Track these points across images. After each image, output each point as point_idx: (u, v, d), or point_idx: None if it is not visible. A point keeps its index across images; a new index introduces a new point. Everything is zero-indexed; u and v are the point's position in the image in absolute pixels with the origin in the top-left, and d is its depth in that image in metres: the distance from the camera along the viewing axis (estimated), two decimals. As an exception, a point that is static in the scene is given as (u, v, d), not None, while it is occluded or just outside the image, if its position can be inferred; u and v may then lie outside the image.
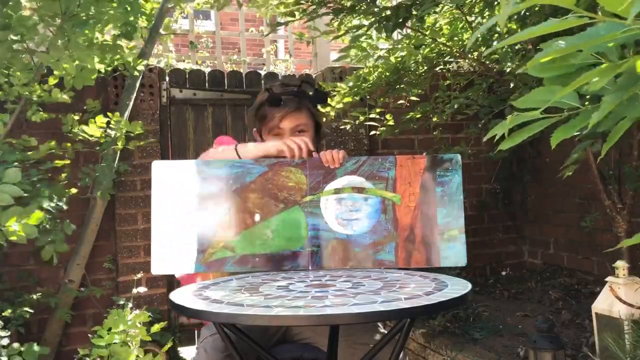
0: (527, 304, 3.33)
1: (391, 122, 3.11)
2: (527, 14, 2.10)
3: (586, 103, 0.78)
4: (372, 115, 3.10)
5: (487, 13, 2.50)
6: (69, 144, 2.86)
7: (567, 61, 0.73)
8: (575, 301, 3.22)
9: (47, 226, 2.40)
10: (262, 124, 1.66)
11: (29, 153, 2.48)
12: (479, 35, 2.46)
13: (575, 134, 0.80)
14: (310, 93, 1.68)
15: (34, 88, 2.47)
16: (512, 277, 3.96)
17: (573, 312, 2.99)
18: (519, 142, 0.83)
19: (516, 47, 2.44)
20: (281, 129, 1.63)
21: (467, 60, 2.77)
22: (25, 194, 2.09)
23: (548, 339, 2.12)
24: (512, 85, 2.53)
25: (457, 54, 2.74)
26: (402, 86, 2.89)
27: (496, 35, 2.52)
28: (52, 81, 2.55)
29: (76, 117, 2.86)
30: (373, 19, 2.33)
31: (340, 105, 2.97)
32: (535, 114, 0.78)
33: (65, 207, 2.54)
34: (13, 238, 1.85)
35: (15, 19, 2.03)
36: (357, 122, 3.17)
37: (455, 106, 2.69)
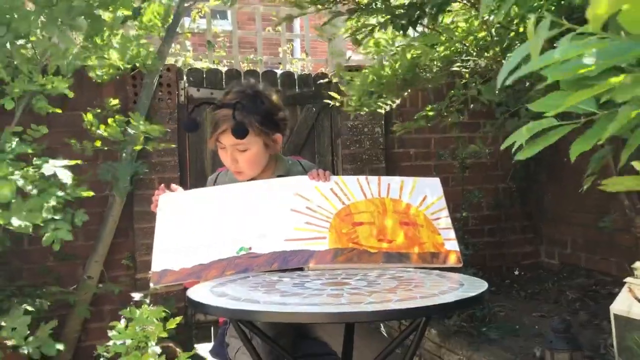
0: (543, 304, 3.31)
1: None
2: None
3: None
4: (388, 102, 3.06)
5: (502, 11, 2.48)
6: (86, 142, 2.90)
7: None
8: (593, 302, 3.19)
9: (54, 216, 2.40)
10: (212, 132, 1.63)
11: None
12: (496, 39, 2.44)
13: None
14: (261, 109, 1.59)
15: (37, 79, 2.51)
16: (528, 277, 3.93)
17: (591, 313, 2.96)
18: (537, 151, 0.81)
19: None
20: (222, 143, 1.61)
21: (483, 59, 2.75)
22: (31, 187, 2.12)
23: (565, 340, 2.10)
24: (528, 84, 2.51)
25: (474, 52, 2.72)
26: (419, 78, 2.86)
27: (512, 33, 2.50)
28: (53, 66, 2.58)
29: (92, 117, 2.88)
30: (387, 17, 2.31)
31: (351, 106, 2.95)
32: (551, 121, 0.76)
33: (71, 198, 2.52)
34: None
35: (17, 13, 2.08)
36: (371, 108, 3.13)
37: (471, 105, 2.67)
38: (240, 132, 1.52)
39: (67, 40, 2.40)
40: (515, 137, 0.80)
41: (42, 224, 2.20)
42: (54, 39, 2.47)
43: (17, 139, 2.43)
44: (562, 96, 0.76)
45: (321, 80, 3.44)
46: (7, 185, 1.97)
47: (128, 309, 2.58)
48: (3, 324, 2.46)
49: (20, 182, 2.10)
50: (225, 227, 1.47)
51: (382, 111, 3.07)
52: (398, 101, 3.04)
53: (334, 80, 3.22)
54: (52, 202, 2.26)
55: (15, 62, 2.47)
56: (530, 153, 0.82)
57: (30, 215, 2.01)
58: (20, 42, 2.43)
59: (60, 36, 2.33)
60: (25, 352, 2.42)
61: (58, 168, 2.33)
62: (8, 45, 2.32)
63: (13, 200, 2.03)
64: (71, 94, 2.64)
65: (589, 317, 2.90)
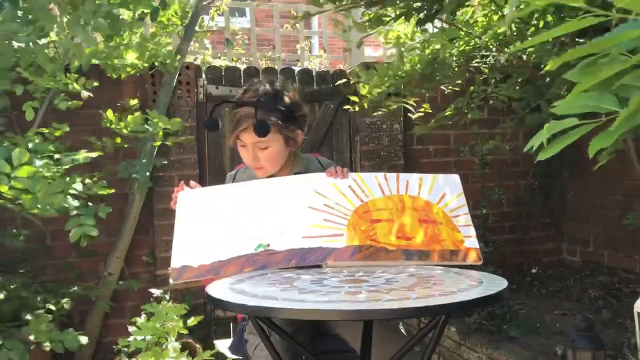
0: (565, 302, 3.27)
1: (428, 109, 3.02)
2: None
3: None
4: (407, 102, 3.03)
5: (522, 6, 2.45)
6: (107, 139, 2.92)
7: (597, 65, 0.71)
8: (616, 300, 3.14)
9: (78, 212, 2.41)
10: (232, 130, 1.61)
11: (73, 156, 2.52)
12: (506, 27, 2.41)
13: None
14: (282, 106, 1.58)
15: (60, 78, 2.54)
16: (550, 274, 3.88)
17: (614, 312, 2.91)
18: (558, 150, 0.81)
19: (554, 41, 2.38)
20: (243, 141, 1.60)
21: (503, 54, 2.72)
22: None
23: (587, 339, 2.07)
24: (547, 79, 2.48)
25: (493, 47, 2.69)
26: (437, 78, 2.83)
27: (532, 28, 2.46)
28: (74, 66, 2.61)
29: (112, 116, 2.90)
30: (403, 10, 2.29)
31: (370, 94, 2.91)
32: (572, 120, 0.76)
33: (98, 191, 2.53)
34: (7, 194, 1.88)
35: (39, 9, 2.11)
36: (390, 108, 3.08)
37: (490, 102, 2.64)
38: (262, 130, 1.53)
39: (90, 41, 2.43)
40: (536, 139, 0.80)
41: (66, 204, 2.20)
42: (76, 39, 2.50)
43: (40, 138, 2.46)
44: (585, 97, 0.75)
45: (339, 82, 3.42)
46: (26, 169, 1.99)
47: (149, 304, 2.61)
48: (28, 317, 2.50)
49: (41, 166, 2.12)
50: (244, 223, 1.48)
51: (412, 116, 3.04)
52: (428, 108, 2.99)
53: (353, 80, 3.19)
54: (78, 183, 2.27)
55: (38, 62, 2.50)
56: (552, 152, 0.81)
57: (53, 197, 2.02)
58: (43, 41, 2.46)
59: (84, 36, 2.36)
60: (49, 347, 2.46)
61: (78, 158, 2.36)
62: (31, 44, 2.35)
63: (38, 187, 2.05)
64: (93, 84, 2.67)
65: (612, 316, 2.86)
